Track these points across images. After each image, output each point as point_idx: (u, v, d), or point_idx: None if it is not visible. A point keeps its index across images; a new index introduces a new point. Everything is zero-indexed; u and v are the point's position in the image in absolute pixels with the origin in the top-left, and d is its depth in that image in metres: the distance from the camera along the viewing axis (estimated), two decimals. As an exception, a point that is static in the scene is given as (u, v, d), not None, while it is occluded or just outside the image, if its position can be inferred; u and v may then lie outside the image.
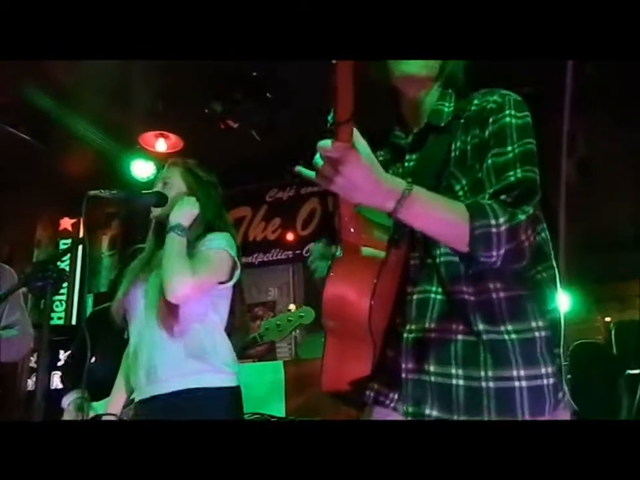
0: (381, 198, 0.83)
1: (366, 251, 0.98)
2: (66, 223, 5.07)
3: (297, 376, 2.45)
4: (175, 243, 1.43)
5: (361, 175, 0.79)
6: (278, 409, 2.34)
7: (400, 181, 0.85)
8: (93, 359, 2.00)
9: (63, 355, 4.43)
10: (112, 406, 1.59)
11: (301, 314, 1.76)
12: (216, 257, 1.46)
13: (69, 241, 5.00)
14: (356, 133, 0.79)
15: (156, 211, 1.54)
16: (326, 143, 0.77)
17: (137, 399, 1.49)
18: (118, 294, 1.52)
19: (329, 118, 0.78)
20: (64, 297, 4.78)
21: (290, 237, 4.50)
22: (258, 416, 2.11)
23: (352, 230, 0.96)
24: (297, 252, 4.41)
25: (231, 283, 1.52)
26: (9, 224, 4.86)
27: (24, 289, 1.77)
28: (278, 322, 1.76)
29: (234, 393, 1.47)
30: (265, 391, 2.34)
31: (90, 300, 4.88)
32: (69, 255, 4.94)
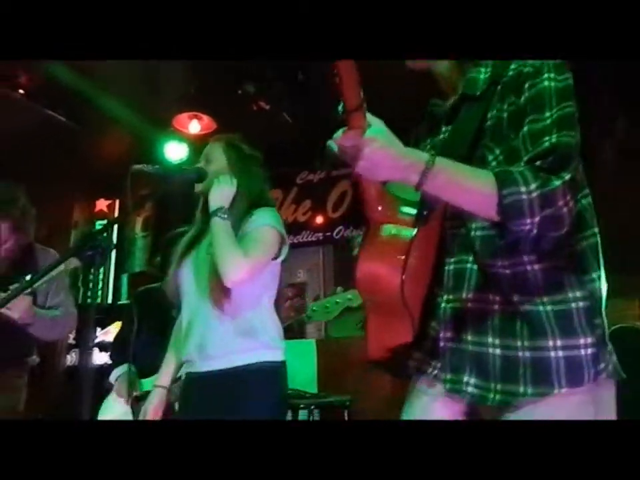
0: (404, 172, 0.84)
1: (395, 228, 0.99)
2: (102, 204, 5.18)
3: (329, 354, 2.48)
4: (220, 228, 1.44)
5: (380, 154, 0.81)
6: (311, 386, 2.37)
7: (422, 154, 0.85)
8: (140, 337, 2.05)
9: (99, 333, 4.59)
10: (162, 378, 1.63)
11: (349, 297, 1.77)
12: (265, 235, 1.48)
13: (105, 221, 5.12)
14: (369, 116, 0.80)
15: (198, 187, 1.56)
16: (338, 135, 0.80)
17: (187, 374, 1.52)
18: (169, 271, 1.55)
19: (340, 108, 0.80)
20: (100, 277, 4.91)
21: (320, 219, 4.51)
22: (293, 391, 2.14)
23: (380, 208, 0.98)
24: (327, 234, 4.41)
25: (280, 259, 1.54)
26: (47, 206, 5.02)
27: (73, 265, 1.82)
28: (326, 304, 1.77)
29: (281, 368, 1.50)
30: (299, 368, 2.37)
31: (125, 280, 5.01)
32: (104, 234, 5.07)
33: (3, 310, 1.95)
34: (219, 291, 1.43)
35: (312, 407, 2.19)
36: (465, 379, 0.95)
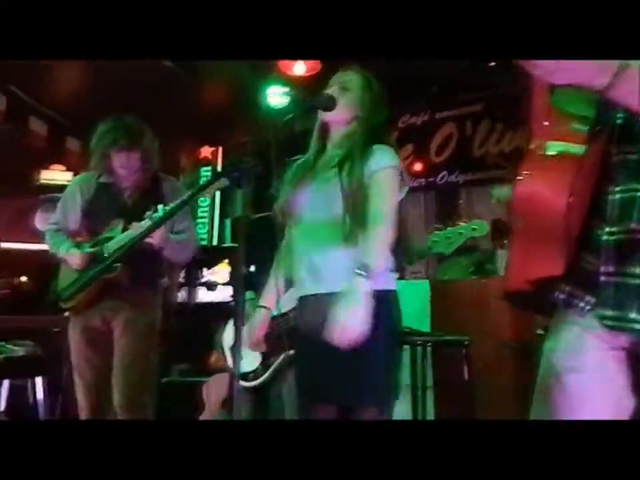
0: (592, 72, 0.74)
1: (562, 145, 0.90)
2: (206, 151, 5.39)
3: (441, 295, 2.46)
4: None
5: None
6: (424, 327, 2.37)
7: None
8: (253, 268, 2.12)
9: (206, 272, 4.89)
10: (266, 299, 1.68)
11: (474, 226, 1.69)
12: (393, 181, 1.50)
13: (209, 168, 5.33)
14: None
15: (324, 115, 1.53)
16: None
17: (297, 296, 1.57)
18: (281, 198, 1.56)
19: None
20: (206, 220, 5.17)
21: (422, 164, 4.35)
22: (408, 329, 2.14)
23: (546, 124, 0.90)
24: (430, 179, 4.26)
25: (400, 197, 1.55)
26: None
27: (223, 184, 1.91)
28: (448, 235, 1.72)
29: (395, 296, 1.51)
30: (412, 308, 2.36)
31: (228, 223, 5.24)
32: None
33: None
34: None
35: (428, 345, 2.20)
36: (632, 315, 0.88)
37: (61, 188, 5.28)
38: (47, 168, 5.20)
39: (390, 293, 1.50)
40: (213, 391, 2.93)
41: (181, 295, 4.79)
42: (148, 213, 2.10)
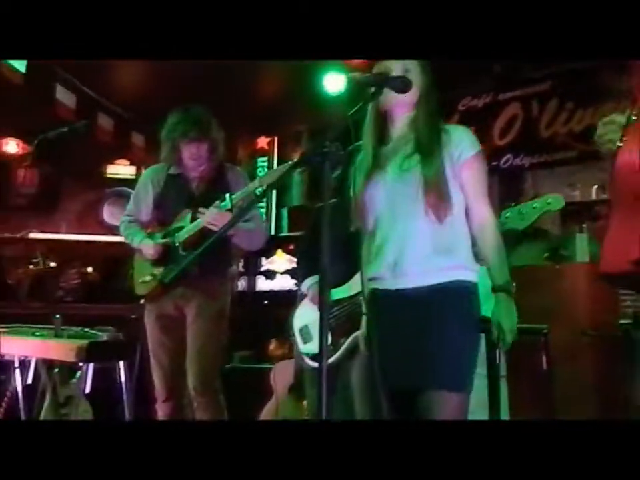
0: None
1: None
2: (262, 141, 5.44)
3: (515, 282, 2.40)
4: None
5: None
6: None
7: None
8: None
9: (265, 262, 4.96)
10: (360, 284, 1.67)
11: (549, 200, 1.62)
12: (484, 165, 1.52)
13: (265, 158, 5.39)
14: None
15: (386, 100, 1.47)
16: None
17: (373, 290, 1.54)
18: (354, 189, 1.54)
19: None
20: (264, 210, 5.24)
21: (485, 148, 4.19)
22: (483, 317, 2.10)
23: None
24: (493, 163, 4.10)
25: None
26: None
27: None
28: (522, 210, 1.65)
29: (475, 289, 1.49)
30: (486, 295, 2.30)
31: (284, 213, 5.29)
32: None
33: (209, 225, 2.16)
34: (434, 202, 1.43)
35: None
36: None
37: (125, 181, 5.56)
38: (112, 162, 5.44)
39: (473, 283, 1.49)
40: (280, 377, 2.99)
41: (241, 284, 4.90)
42: (216, 203, 2.16)
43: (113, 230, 5.46)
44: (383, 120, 1.54)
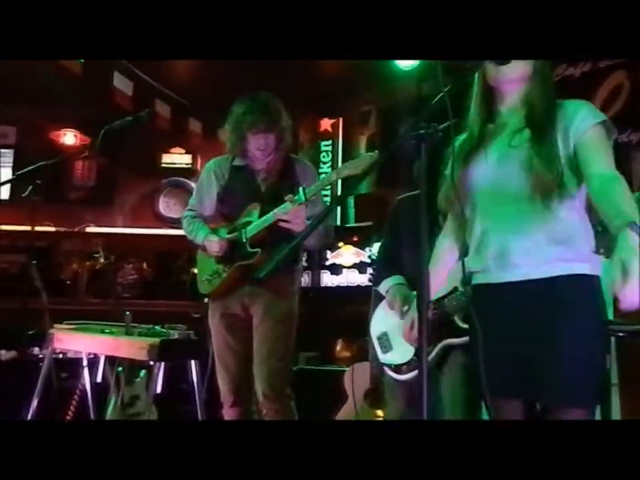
0: None
1: None
2: (326, 123, 5.47)
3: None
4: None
5: None
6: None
7: None
8: (405, 247, 2.13)
9: (330, 255, 5.01)
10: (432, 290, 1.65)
11: None
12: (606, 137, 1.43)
13: (330, 142, 5.42)
14: None
15: (495, 75, 1.44)
16: None
17: (474, 285, 1.51)
18: (451, 173, 1.50)
19: None
20: (327, 198, 5.27)
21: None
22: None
23: None
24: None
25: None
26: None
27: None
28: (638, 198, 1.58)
29: (598, 283, 1.40)
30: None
31: (351, 202, 5.29)
32: (330, 157, 5.41)
33: (281, 220, 2.19)
34: (544, 187, 1.36)
35: (618, 334, 2.06)
36: None
37: (181, 171, 5.76)
38: (167, 151, 5.66)
39: (597, 278, 1.40)
40: (355, 381, 3.03)
41: (304, 279, 4.95)
42: (289, 196, 2.18)
43: (169, 223, 5.74)
44: (491, 96, 1.51)
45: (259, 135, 2.30)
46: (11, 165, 5.59)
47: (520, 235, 1.40)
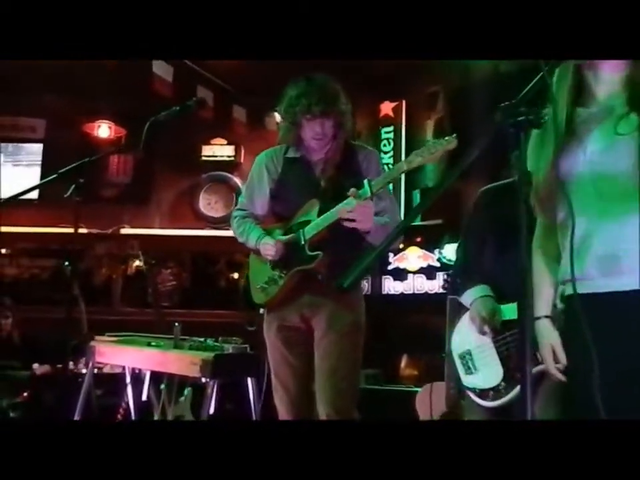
0: None
1: None
2: (386, 107, 5.45)
3: None
4: None
5: None
6: None
7: None
8: (490, 251, 2.10)
9: (392, 259, 4.99)
10: (541, 306, 1.62)
11: None
12: None
13: (391, 128, 5.40)
14: None
15: None
16: None
17: (569, 296, 1.48)
18: (542, 166, 1.47)
19: None
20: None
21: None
22: None
23: None
24: None
25: None
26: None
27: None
28: None
29: None
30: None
31: (417, 195, 5.26)
32: (392, 145, 5.38)
33: (348, 221, 2.18)
34: None
35: None
36: None
37: (223, 164, 5.84)
38: (207, 143, 5.76)
39: None
40: (429, 403, 3.01)
41: (364, 286, 4.93)
42: (352, 190, 2.16)
43: (210, 222, 5.84)
44: (584, 79, 1.48)
45: (314, 121, 2.28)
46: (40, 161, 5.81)
47: (630, 236, 1.36)
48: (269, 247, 2.37)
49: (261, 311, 2.50)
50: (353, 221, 2.15)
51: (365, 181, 2.14)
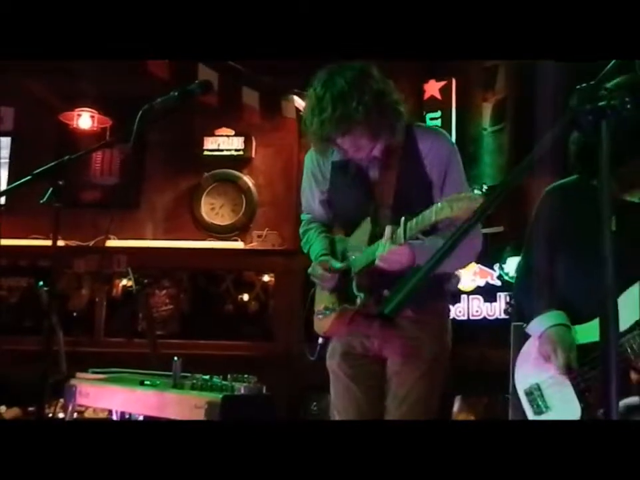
0: None
1: None
2: (432, 88, 5.48)
3: None
4: None
5: None
6: None
7: None
8: (560, 262, 2.12)
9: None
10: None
11: None
12: None
13: (438, 113, 5.43)
14: None
15: None
16: None
17: None
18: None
19: None
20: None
21: None
22: None
23: None
24: None
25: None
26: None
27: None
28: None
29: None
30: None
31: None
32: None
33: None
34: None
35: None
36: None
37: (229, 159, 5.87)
38: (210, 134, 5.83)
39: None
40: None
41: (449, 307, 4.96)
42: (387, 231, 2.17)
43: (214, 232, 5.87)
44: None
45: (342, 140, 2.33)
46: (7, 158, 5.92)
47: None
48: (321, 274, 2.49)
49: (320, 340, 2.58)
50: (384, 264, 2.22)
51: (402, 219, 2.17)
